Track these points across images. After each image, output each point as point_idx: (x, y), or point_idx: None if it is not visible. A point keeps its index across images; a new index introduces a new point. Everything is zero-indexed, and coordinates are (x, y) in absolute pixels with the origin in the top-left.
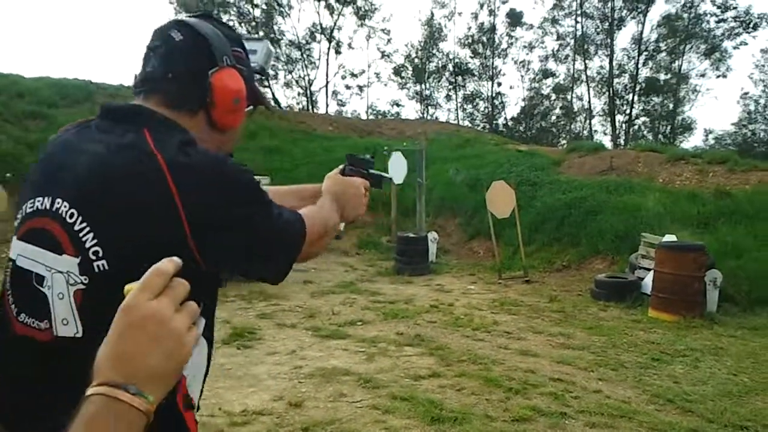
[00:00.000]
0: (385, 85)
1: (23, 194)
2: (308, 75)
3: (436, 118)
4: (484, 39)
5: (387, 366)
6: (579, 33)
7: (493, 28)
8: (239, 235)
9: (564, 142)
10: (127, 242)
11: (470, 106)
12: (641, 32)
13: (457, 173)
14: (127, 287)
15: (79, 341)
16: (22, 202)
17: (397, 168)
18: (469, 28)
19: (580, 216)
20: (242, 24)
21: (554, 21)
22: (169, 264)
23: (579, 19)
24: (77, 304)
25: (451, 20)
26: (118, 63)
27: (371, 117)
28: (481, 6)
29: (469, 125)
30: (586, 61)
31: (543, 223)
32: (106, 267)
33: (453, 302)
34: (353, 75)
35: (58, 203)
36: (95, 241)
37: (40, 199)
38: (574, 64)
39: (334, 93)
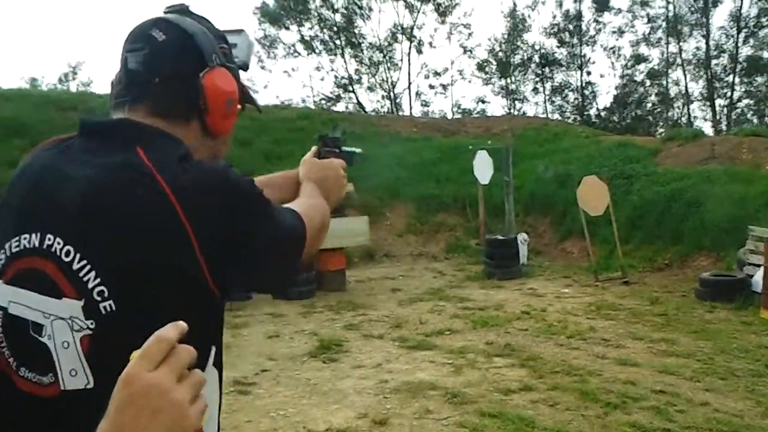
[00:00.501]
0: (469, 82)
1: (2, 229)
2: (391, 77)
3: (524, 112)
4: (571, 27)
5: (475, 379)
6: (671, 14)
7: (579, 15)
8: (250, 250)
9: (661, 130)
10: (134, 277)
11: (559, 97)
12: (740, 8)
13: (547, 169)
14: (132, 354)
15: (91, 393)
16: (3, 240)
17: (482, 167)
18: (554, 17)
19: (680, 209)
20: (323, 30)
21: (644, 3)
22: (172, 330)
23: None
24: (85, 351)
25: (534, 10)
26: None
27: (457, 116)
28: None
29: (559, 118)
30: (681, 44)
31: (640, 218)
32: (114, 308)
33: (546, 307)
34: (436, 74)
35: (50, 240)
36: (98, 279)
37: (27, 236)
38: (667, 47)
39: (418, 94)
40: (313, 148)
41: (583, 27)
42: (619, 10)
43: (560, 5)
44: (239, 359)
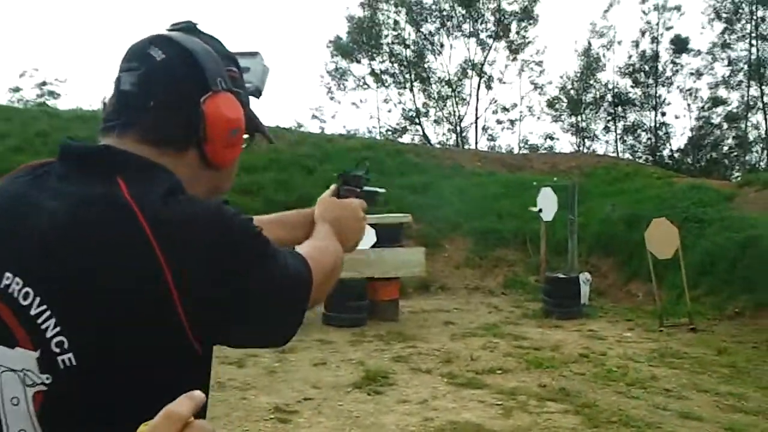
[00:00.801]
0: (538, 118)
1: None
2: (458, 111)
3: (593, 150)
4: (646, 67)
5: (525, 424)
6: (753, 57)
7: (656, 56)
8: (242, 299)
9: (737, 174)
10: (99, 327)
11: (631, 137)
12: None
13: (614, 209)
14: (140, 429)
15: None
16: None
17: (546, 203)
18: (630, 57)
19: (755, 257)
20: (394, 64)
21: (725, 45)
22: (186, 404)
23: (753, 42)
24: (37, 410)
25: (609, 49)
26: (275, 104)
27: (524, 151)
28: (643, 33)
29: (630, 158)
30: (763, 87)
31: (711, 264)
32: (73, 362)
33: (606, 351)
34: (504, 109)
35: (8, 279)
36: (58, 329)
37: None
38: (748, 91)
39: (485, 128)
40: (332, 187)
41: (660, 68)
42: (699, 52)
43: (636, 45)
44: (284, 385)
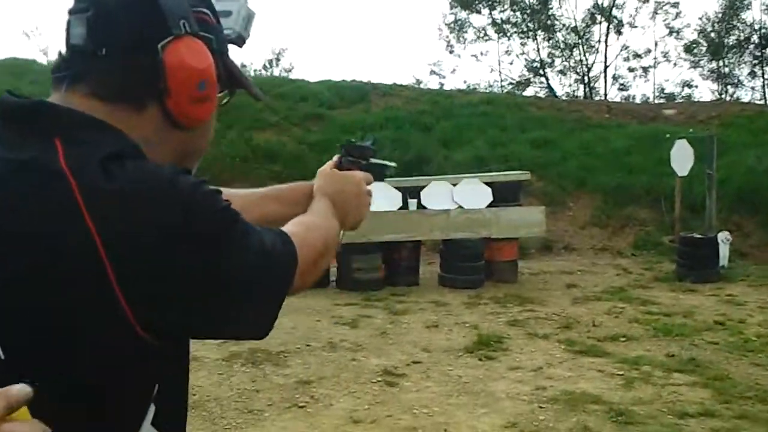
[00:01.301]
0: (675, 64)
1: None
2: (586, 59)
3: (737, 98)
4: None
5: (647, 396)
6: None
7: None
8: (201, 283)
9: None
10: (27, 317)
11: None
12: None
13: (760, 161)
14: None
15: None
16: None
17: (681, 158)
18: None
19: None
20: (515, 12)
21: None
22: None
23: None
24: None
25: None
26: (393, 62)
27: (661, 100)
28: None
29: None
30: None
31: None
32: (2, 356)
33: (745, 318)
34: (637, 56)
35: None
36: None
37: None
38: None
39: (615, 77)
40: (335, 158)
41: None
42: None
43: None
44: (394, 347)
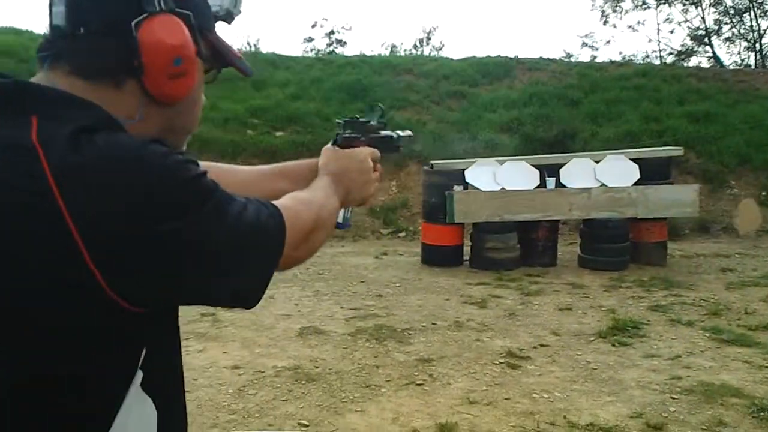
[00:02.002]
0: None
1: None
2: (758, 26)
3: None
4: None
5: None
6: None
7: None
8: (174, 256)
9: None
10: (2, 296)
11: None
12: None
13: None
14: None
15: None
16: None
17: None
18: None
19: None
20: None
21: None
22: None
23: None
24: None
25: None
26: (541, 35)
27: None
28: None
29: None
30: None
31: None
32: None
33: None
34: None
35: None
36: None
37: None
38: None
39: None
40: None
41: None
42: None
43: None
44: (522, 329)
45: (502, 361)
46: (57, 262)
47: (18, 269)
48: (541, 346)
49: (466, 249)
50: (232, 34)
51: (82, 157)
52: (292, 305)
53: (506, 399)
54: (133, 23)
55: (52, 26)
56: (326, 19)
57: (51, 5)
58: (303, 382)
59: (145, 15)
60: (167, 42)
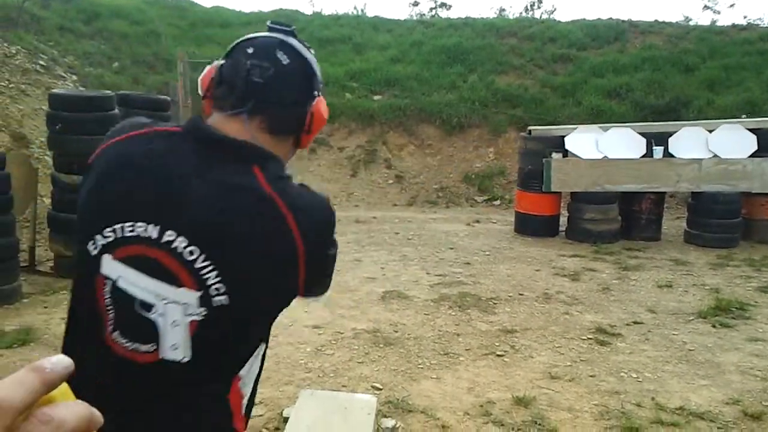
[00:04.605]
0: None
1: (103, 202)
2: None
3: None
4: None
5: None
6: None
7: None
8: (330, 266)
9: None
10: (250, 285)
11: None
12: None
13: None
14: None
15: (185, 365)
16: (108, 217)
17: None
18: None
19: None
20: None
21: None
22: (20, 389)
23: None
24: (191, 332)
25: None
26: None
27: None
28: None
29: None
30: None
31: None
32: (226, 302)
33: None
34: None
35: (170, 236)
36: (218, 279)
37: (142, 225)
38: None
39: None
40: None
41: None
42: None
43: None
44: (616, 305)
45: (590, 336)
46: (290, 273)
47: (271, 272)
48: (635, 323)
49: (563, 220)
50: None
51: (305, 202)
52: (378, 269)
53: (591, 376)
54: (312, 101)
55: (247, 87)
56: None
57: (249, 72)
58: (381, 345)
59: (317, 95)
60: (324, 115)
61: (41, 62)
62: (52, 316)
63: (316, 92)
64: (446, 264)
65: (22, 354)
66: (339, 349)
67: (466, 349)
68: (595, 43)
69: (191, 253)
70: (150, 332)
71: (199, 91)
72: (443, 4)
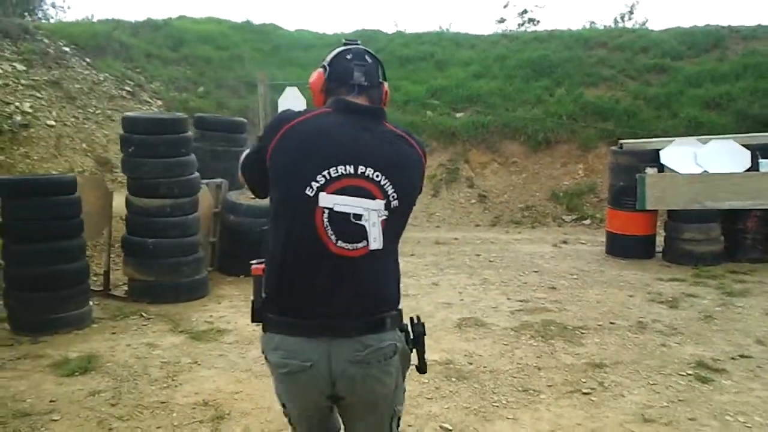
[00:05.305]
0: None
1: (308, 160)
2: None
3: None
4: None
5: None
6: None
7: None
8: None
9: None
10: (408, 191)
11: None
12: None
13: None
14: None
15: (380, 251)
16: (316, 169)
17: None
18: None
19: None
20: None
21: None
22: None
23: None
24: (382, 227)
25: None
26: (758, 1)
27: None
28: None
29: None
30: None
31: None
32: (398, 204)
33: None
34: None
35: (362, 169)
36: (393, 190)
37: (342, 167)
38: None
39: None
40: None
41: None
42: None
43: None
44: (720, 335)
45: (690, 372)
46: (419, 176)
47: (416, 183)
48: (742, 357)
49: (659, 239)
50: (424, 19)
51: (422, 144)
52: (456, 293)
53: (690, 419)
54: (385, 84)
55: (364, 76)
56: None
57: (356, 68)
58: (453, 379)
59: (384, 81)
60: (389, 92)
61: (127, 88)
62: (118, 342)
63: (384, 79)
64: (529, 288)
65: (83, 382)
66: (407, 382)
67: (548, 386)
68: (692, 52)
69: (377, 176)
70: (361, 234)
71: (316, 90)
72: (531, 20)
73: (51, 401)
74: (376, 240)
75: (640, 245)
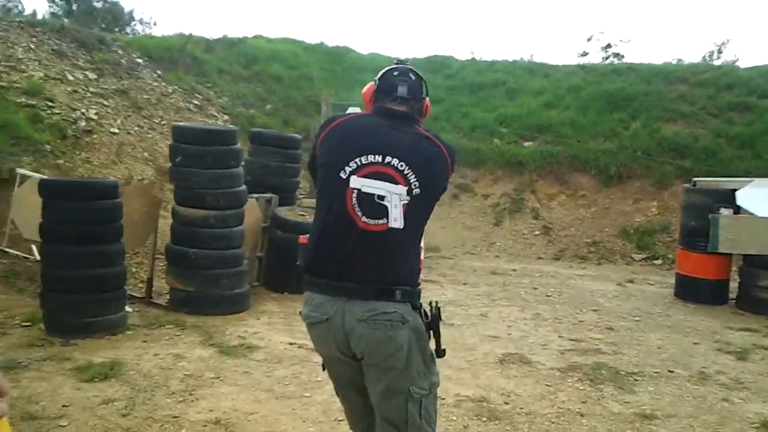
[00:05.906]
0: None
1: (345, 149)
2: None
3: None
4: None
5: None
6: None
7: None
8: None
9: None
10: (428, 183)
11: None
12: None
13: None
14: None
15: (400, 230)
16: (349, 157)
17: None
18: None
19: None
20: None
21: None
22: None
23: None
24: (404, 210)
25: None
26: None
27: None
28: None
29: None
30: None
31: None
32: (419, 192)
33: None
34: None
35: (389, 159)
36: (415, 179)
37: (371, 156)
38: None
39: None
40: None
41: None
42: None
43: None
44: None
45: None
46: (445, 174)
47: (441, 177)
48: None
49: (733, 285)
50: (504, 50)
51: (448, 146)
52: (504, 327)
53: None
54: (425, 99)
55: (406, 91)
56: (603, 32)
57: (399, 83)
58: (484, 418)
59: (426, 96)
60: (430, 107)
61: (195, 101)
62: (147, 350)
63: (426, 94)
64: (585, 328)
65: (100, 389)
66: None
67: None
68: None
69: (401, 166)
70: (383, 212)
71: (367, 99)
72: (616, 54)
73: (64, 406)
74: (396, 220)
75: (711, 290)
